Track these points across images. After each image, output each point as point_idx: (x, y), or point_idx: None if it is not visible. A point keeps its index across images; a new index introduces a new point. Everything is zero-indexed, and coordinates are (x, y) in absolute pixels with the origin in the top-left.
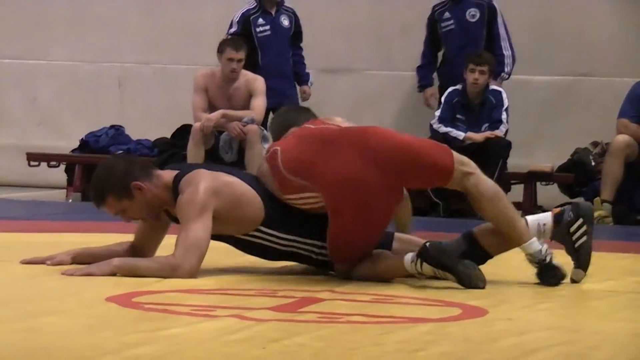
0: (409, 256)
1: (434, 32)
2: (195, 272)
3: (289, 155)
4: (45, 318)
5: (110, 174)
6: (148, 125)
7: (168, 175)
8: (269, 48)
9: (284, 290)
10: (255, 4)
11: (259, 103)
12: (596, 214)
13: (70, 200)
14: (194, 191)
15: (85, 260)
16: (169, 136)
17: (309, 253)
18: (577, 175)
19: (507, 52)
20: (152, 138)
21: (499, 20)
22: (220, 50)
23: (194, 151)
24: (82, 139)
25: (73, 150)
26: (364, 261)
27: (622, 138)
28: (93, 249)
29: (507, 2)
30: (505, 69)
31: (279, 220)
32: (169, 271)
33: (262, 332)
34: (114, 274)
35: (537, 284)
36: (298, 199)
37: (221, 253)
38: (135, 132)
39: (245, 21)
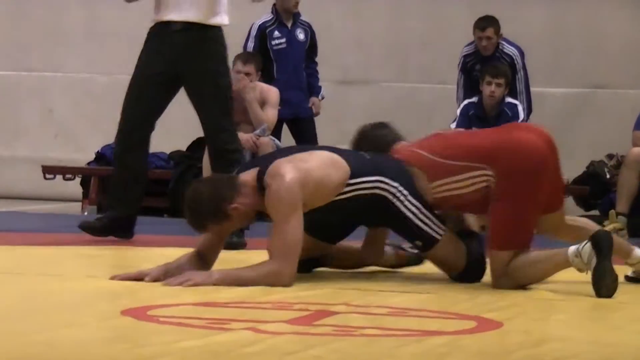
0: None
1: (469, 78)
2: (294, 278)
3: (447, 142)
4: (62, 331)
5: (202, 204)
6: (164, 138)
7: (251, 177)
8: (284, 61)
9: (299, 304)
10: (272, 15)
11: (270, 113)
12: (611, 226)
13: (86, 213)
14: (280, 187)
15: (175, 273)
16: (184, 149)
17: (394, 195)
18: (593, 187)
19: (521, 106)
20: (168, 150)
21: (520, 74)
22: (233, 63)
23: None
24: (98, 151)
25: (89, 163)
26: (521, 256)
27: (638, 150)
28: (178, 262)
29: (522, 13)
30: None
31: (363, 166)
32: (273, 279)
33: (277, 345)
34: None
35: (551, 296)
36: (454, 182)
37: (235, 265)
38: (151, 144)
39: (262, 33)
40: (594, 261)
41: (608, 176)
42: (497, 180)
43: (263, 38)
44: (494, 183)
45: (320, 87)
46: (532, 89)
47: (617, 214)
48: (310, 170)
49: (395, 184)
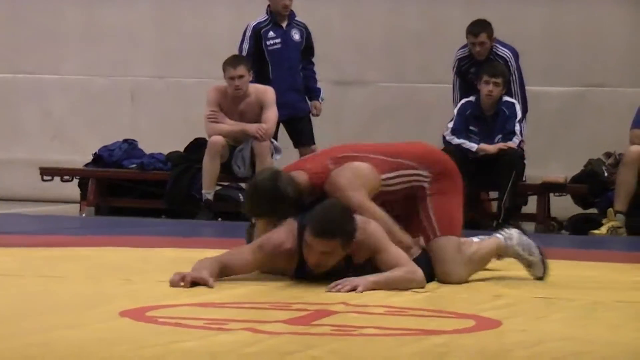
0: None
1: (464, 80)
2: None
3: (386, 146)
4: (61, 332)
5: (348, 221)
6: (161, 139)
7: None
8: (279, 61)
9: (298, 304)
10: (267, 16)
11: (270, 115)
12: (609, 224)
13: (83, 215)
14: (370, 222)
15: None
16: (182, 150)
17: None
18: (591, 186)
19: (518, 105)
20: (165, 151)
21: (514, 76)
22: (223, 69)
23: (210, 164)
24: (95, 153)
25: (87, 165)
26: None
27: (636, 148)
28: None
29: (519, 13)
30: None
31: None
32: (411, 280)
33: (276, 345)
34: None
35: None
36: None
37: None
38: (149, 145)
39: (257, 34)
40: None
41: (606, 174)
42: (434, 179)
43: (258, 39)
44: (429, 182)
45: (319, 90)
46: (529, 88)
47: (616, 212)
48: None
49: None
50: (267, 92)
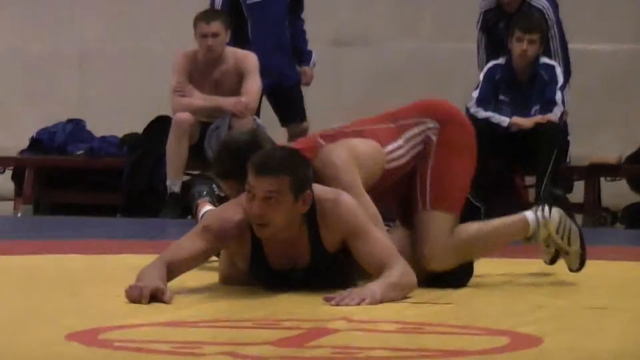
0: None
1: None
2: None
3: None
4: None
5: (298, 163)
6: (115, 118)
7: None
8: (261, 18)
9: (289, 320)
10: None
11: (251, 86)
12: None
13: (19, 214)
14: (348, 204)
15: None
16: (140, 131)
17: None
18: None
19: (559, 68)
20: (120, 134)
21: (553, 31)
22: (194, 25)
23: (176, 148)
24: (33, 136)
25: (22, 151)
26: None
27: None
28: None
29: None
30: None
31: None
32: (411, 285)
33: None
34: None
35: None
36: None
37: (211, 273)
38: (100, 126)
39: None
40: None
41: None
42: (441, 128)
43: None
44: (436, 133)
45: (310, 52)
46: (573, 46)
47: None
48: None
49: None
50: (249, 58)
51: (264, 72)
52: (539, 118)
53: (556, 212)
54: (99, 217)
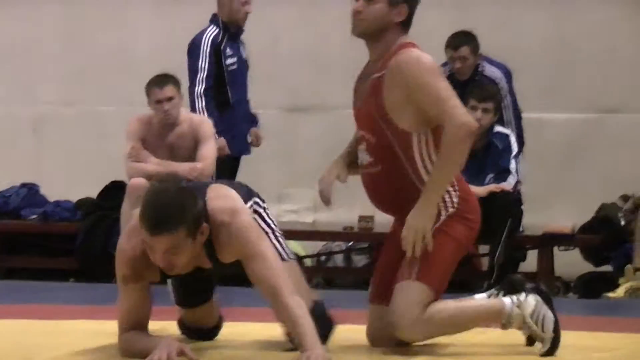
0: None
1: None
2: None
3: None
4: None
5: (185, 206)
6: (69, 183)
7: None
8: (237, 84)
9: None
10: (218, 28)
11: (207, 151)
12: (628, 285)
13: None
14: (242, 219)
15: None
16: (95, 196)
17: (260, 213)
18: (604, 237)
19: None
20: (75, 198)
21: (506, 101)
22: (147, 93)
23: (130, 213)
24: None
25: None
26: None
27: None
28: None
29: (515, 21)
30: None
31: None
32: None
33: None
34: None
35: None
36: None
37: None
38: (54, 191)
39: (216, 50)
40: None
41: (623, 222)
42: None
43: (217, 56)
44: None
45: (256, 115)
46: (528, 115)
47: (635, 269)
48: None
49: (259, 200)
50: (204, 124)
51: (237, 140)
52: (493, 187)
53: (532, 298)
54: (52, 282)
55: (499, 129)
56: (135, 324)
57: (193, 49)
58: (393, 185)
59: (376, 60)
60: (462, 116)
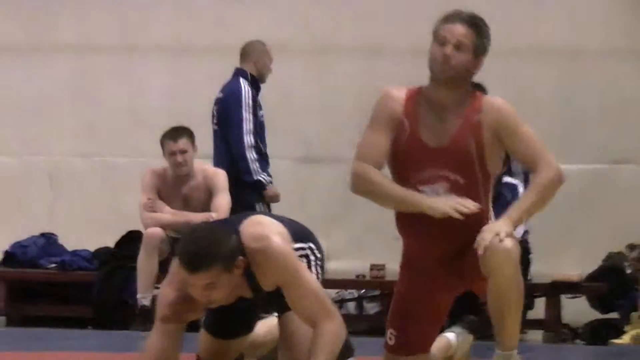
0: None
1: None
2: None
3: None
4: None
5: (219, 242)
6: (86, 232)
7: None
8: (264, 136)
9: None
10: (248, 81)
11: (222, 202)
12: (634, 332)
13: None
14: (277, 245)
15: None
16: (112, 245)
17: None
18: (611, 285)
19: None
20: (92, 248)
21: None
22: (161, 145)
23: (146, 262)
24: (6, 250)
25: None
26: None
27: None
28: None
29: (526, 72)
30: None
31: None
32: (338, 340)
33: None
34: None
35: None
36: None
37: None
38: (71, 240)
39: (254, 102)
40: None
41: (629, 271)
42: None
43: (254, 108)
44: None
45: None
46: None
47: None
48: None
49: (314, 247)
50: (218, 175)
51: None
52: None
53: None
54: (70, 329)
55: (507, 179)
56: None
57: (234, 101)
58: (467, 227)
59: (456, 105)
60: (558, 165)
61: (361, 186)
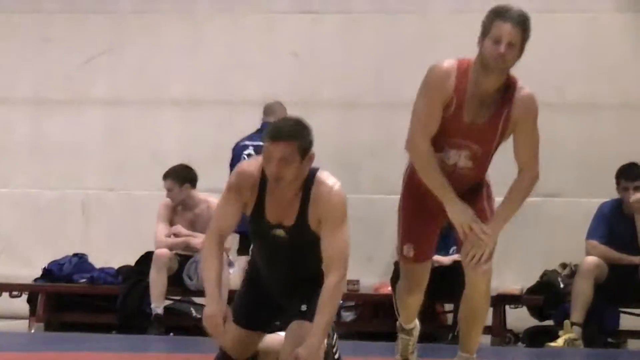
0: None
1: None
2: None
3: None
4: None
5: (304, 129)
6: (112, 253)
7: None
8: None
9: None
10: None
11: None
12: (566, 337)
13: (32, 331)
14: (340, 195)
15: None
16: (133, 263)
17: None
18: (547, 297)
19: None
20: (116, 265)
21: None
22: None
23: (156, 277)
24: (45, 267)
25: (36, 279)
26: None
27: (592, 259)
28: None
29: None
30: None
31: None
32: (340, 293)
33: None
34: None
35: None
36: None
37: None
38: (99, 259)
39: None
40: None
41: (562, 285)
42: None
43: None
44: None
45: None
46: None
47: (572, 324)
48: None
49: None
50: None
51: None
52: (456, 257)
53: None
54: (98, 334)
55: None
56: (220, 229)
57: None
58: (474, 180)
59: (497, 92)
60: (538, 171)
61: (419, 159)
